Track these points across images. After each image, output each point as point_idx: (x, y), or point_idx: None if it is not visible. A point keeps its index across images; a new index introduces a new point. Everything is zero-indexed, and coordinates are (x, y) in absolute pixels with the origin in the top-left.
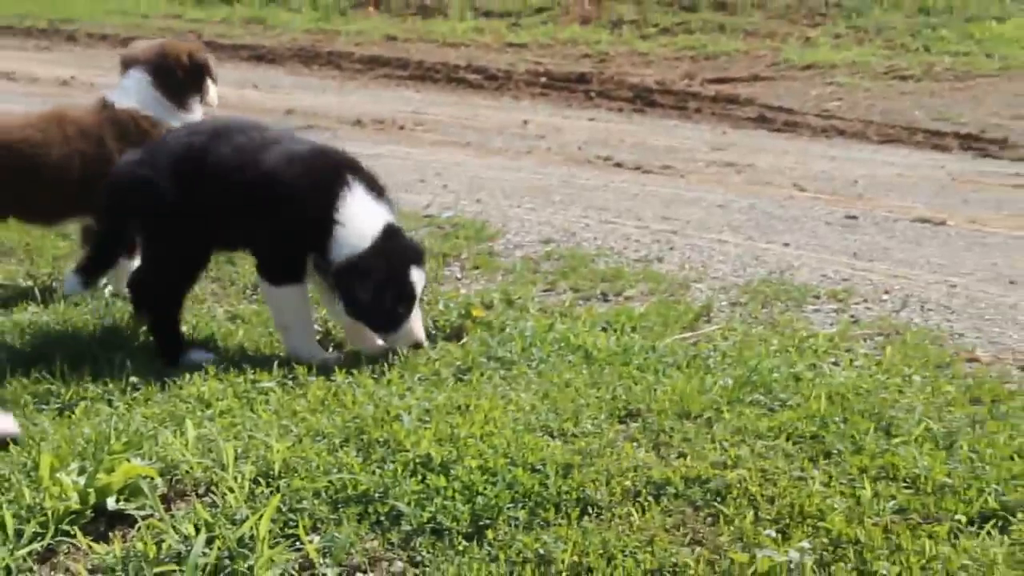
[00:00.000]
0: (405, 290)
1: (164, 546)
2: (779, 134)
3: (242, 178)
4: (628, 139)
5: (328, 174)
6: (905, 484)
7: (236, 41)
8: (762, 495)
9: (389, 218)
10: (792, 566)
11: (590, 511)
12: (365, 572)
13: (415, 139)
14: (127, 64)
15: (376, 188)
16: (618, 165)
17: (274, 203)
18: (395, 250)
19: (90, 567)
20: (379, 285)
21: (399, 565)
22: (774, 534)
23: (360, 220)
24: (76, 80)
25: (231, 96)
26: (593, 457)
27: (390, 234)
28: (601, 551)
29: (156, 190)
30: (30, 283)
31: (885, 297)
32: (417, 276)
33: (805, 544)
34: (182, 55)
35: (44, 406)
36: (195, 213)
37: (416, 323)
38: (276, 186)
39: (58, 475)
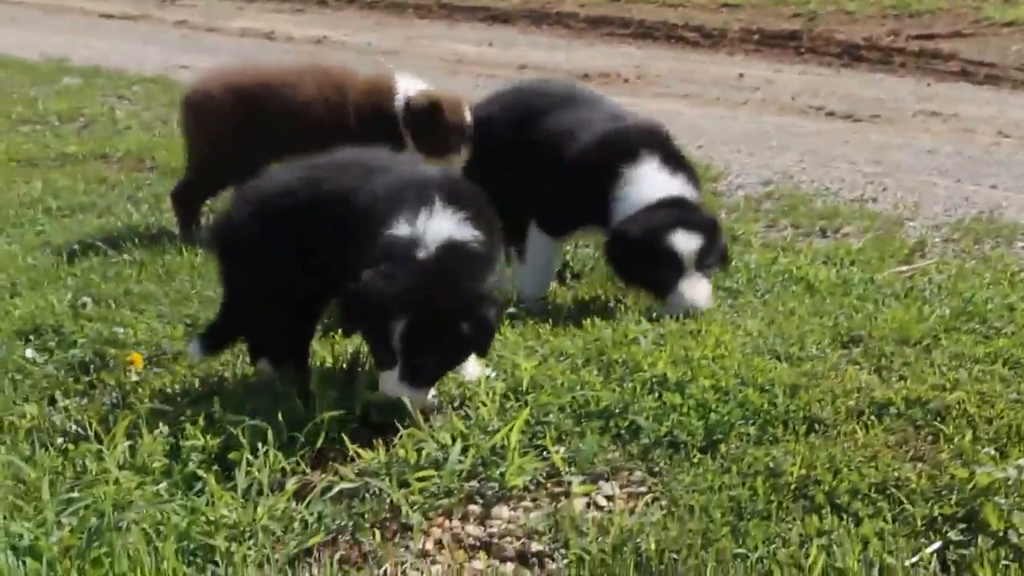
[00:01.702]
0: (662, 255)
1: (423, 453)
2: (981, 87)
3: None
4: (838, 91)
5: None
6: None
7: (474, 3)
8: (980, 416)
9: (671, 190)
10: (1011, 482)
11: (816, 428)
12: (607, 480)
13: (638, 91)
14: None
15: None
16: (829, 114)
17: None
18: (657, 216)
19: (357, 471)
20: (635, 251)
21: (638, 475)
22: (993, 452)
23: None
24: (328, 39)
25: (470, 53)
26: (818, 379)
27: (663, 203)
28: (827, 465)
29: None
30: None
31: None
32: (683, 241)
33: (1022, 462)
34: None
35: None
36: None
37: (688, 288)
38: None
39: (327, 389)
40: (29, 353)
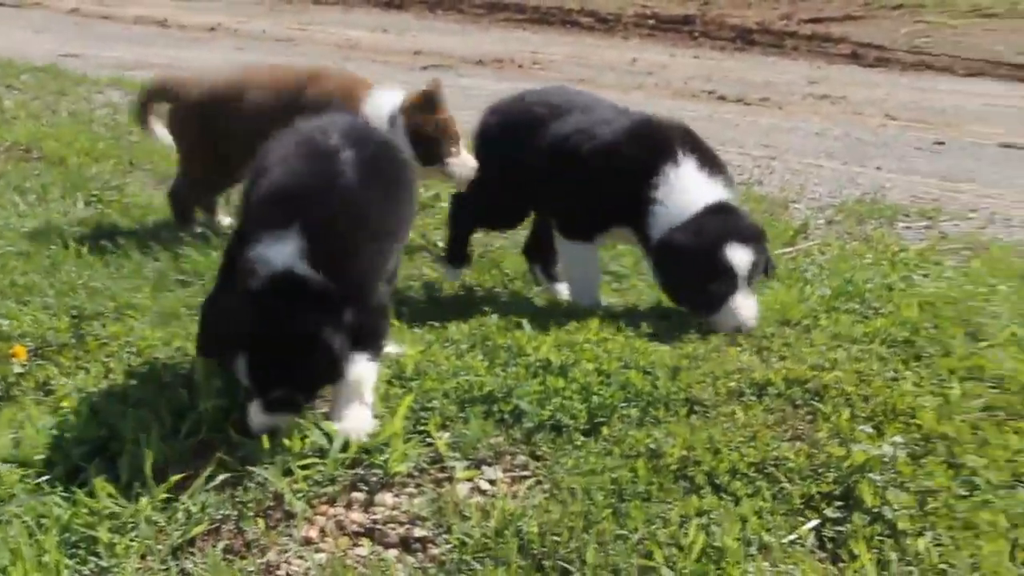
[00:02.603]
0: (718, 269)
1: (307, 441)
2: (871, 69)
3: None
4: (730, 75)
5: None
6: (991, 384)
7: None
8: (857, 395)
9: (715, 195)
10: (886, 459)
11: (697, 409)
12: (491, 465)
13: (533, 76)
14: None
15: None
16: (721, 98)
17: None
18: (711, 227)
19: (240, 459)
20: (689, 264)
21: (521, 459)
22: (869, 430)
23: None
24: (221, 27)
25: (365, 39)
26: (699, 360)
27: (711, 210)
28: (707, 445)
29: None
30: None
31: (972, 215)
32: (738, 255)
33: (898, 439)
34: None
35: (196, 317)
36: None
37: (740, 305)
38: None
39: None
40: None
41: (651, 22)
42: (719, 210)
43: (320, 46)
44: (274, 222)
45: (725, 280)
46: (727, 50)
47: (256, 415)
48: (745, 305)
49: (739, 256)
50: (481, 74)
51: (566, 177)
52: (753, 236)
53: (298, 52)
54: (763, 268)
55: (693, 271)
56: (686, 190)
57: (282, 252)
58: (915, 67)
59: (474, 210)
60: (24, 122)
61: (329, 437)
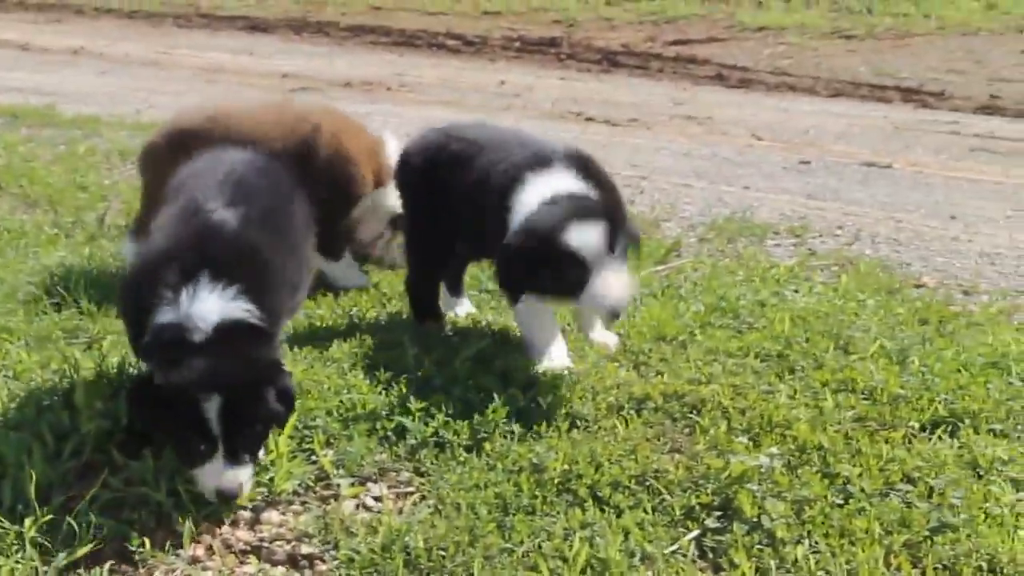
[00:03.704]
0: (561, 258)
1: None
2: (735, 90)
3: None
4: (596, 96)
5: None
6: (863, 395)
7: (232, 12)
8: (734, 408)
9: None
10: (763, 470)
11: (578, 424)
12: (375, 481)
13: (400, 99)
14: None
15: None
16: (588, 119)
17: None
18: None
19: (124, 480)
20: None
21: (406, 475)
22: (746, 441)
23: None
24: (84, 50)
25: (228, 63)
26: (579, 376)
27: (545, 203)
28: (589, 459)
29: None
30: (55, 231)
31: (839, 232)
32: (580, 236)
33: (774, 450)
34: None
35: (74, 340)
36: None
37: (601, 286)
38: None
39: (93, 400)
40: None
41: (517, 44)
42: (553, 201)
43: (185, 69)
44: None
45: (574, 266)
46: (593, 72)
47: (216, 475)
48: (607, 285)
49: (581, 237)
50: (350, 97)
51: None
52: (595, 213)
53: (164, 76)
54: (625, 242)
55: (536, 268)
56: (525, 203)
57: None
58: (778, 88)
59: None
60: None
61: None
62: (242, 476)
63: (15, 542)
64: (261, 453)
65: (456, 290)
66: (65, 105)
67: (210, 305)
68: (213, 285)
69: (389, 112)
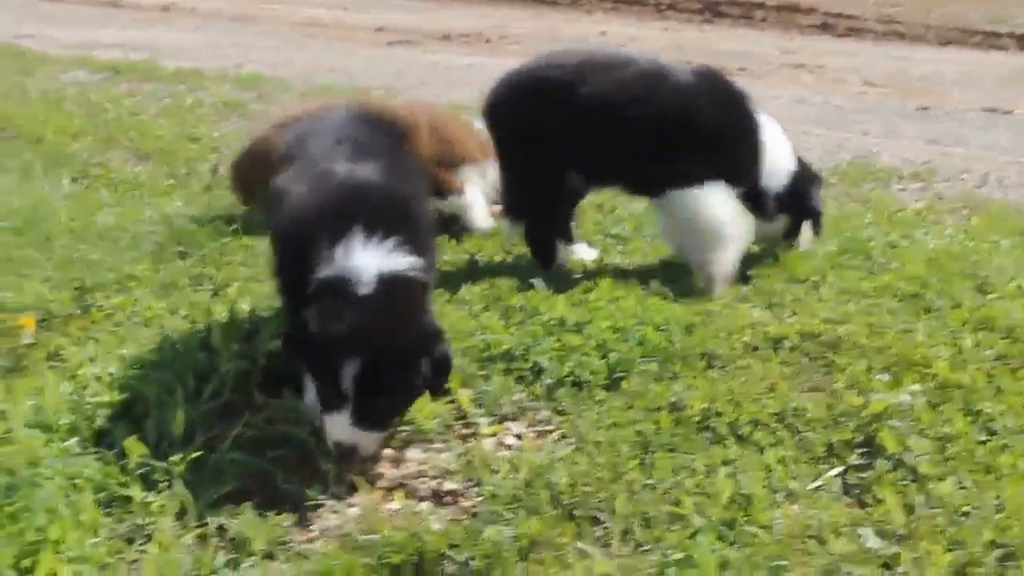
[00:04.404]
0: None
1: None
2: (843, 39)
3: None
4: (702, 46)
5: None
6: (1003, 335)
7: None
8: (871, 346)
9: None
10: (904, 407)
11: (714, 363)
12: (514, 420)
13: (500, 51)
14: None
15: None
16: None
17: None
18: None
19: (266, 419)
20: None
21: (544, 414)
22: (886, 379)
23: None
24: (175, 6)
25: (324, 17)
26: (713, 316)
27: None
28: (728, 397)
29: None
30: (171, 181)
31: (965, 176)
32: None
33: (916, 387)
34: None
35: (200, 287)
36: None
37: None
38: None
39: (230, 342)
40: None
41: None
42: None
43: (280, 24)
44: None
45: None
46: (695, 22)
47: (338, 427)
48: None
49: None
50: (448, 50)
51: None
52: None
53: (258, 31)
54: None
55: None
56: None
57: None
58: (887, 36)
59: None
60: None
61: None
62: (367, 438)
63: (163, 478)
64: None
65: (569, 237)
66: (163, 60)
67: (368, 258)
68: (369, 239)
69: (488, 65)
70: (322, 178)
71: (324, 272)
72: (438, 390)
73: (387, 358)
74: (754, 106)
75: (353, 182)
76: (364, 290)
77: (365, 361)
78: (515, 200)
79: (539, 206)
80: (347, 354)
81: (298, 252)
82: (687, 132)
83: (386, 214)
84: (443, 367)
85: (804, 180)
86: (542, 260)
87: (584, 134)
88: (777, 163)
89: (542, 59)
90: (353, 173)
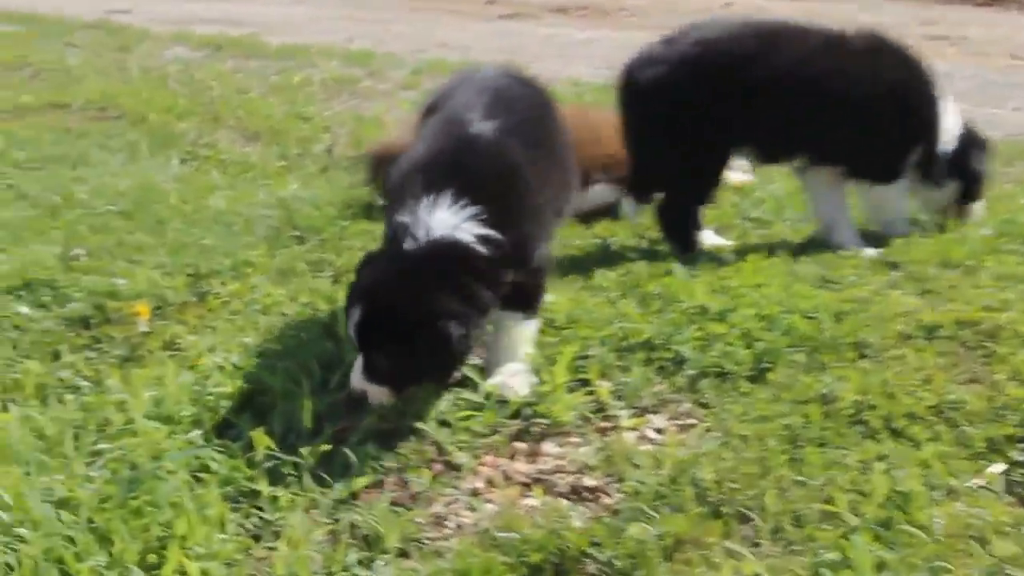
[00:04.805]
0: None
1: (465, 398)
2: (984, 8)
3: None
4: (839, 16)
5: None
6: None
7: None
8: None
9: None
10: None
11: (866, 353)
12: (655, 413)
13: (619, 24)
14: None
15: None
16: None
17: None
18: None
19: (395, 409)
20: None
21: (687, 406)
22: None
23: None
24: None
25: None
26: (863, 303)
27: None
28: (882, 389)
29: None
30: (283, 163)
31: None
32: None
33: None
34: None
35: (319, 273)
36: None
37: None
38: None
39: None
40: (23, 309)
41: None
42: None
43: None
44: (431, 187)
45: None
46: None
47: (355, 373)
48: None
49: None
50: (564, 23)
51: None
52: None
53: (364, 3)
54: None
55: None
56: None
57: (441, 217)
58: None
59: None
60: (93, 80)
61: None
62: (376, 390)
63: (291, 472)
64: (512, 380)
65: (699, 223)
66: (267, 36)
67: (433, 217)
68: (448, 198)
69: (607, 39)
70: (441, 130)
71: (397, 219)
72: (432, 369)
73: (382, 316)
74: (928, 67)
75: (464, 140)
76: (409, 245)
77: (366, 313)
78: (653, 181)
79: (690, 187)
80: (354, 301)
81: (394, 196)
82: (873, 98)
83: (482, 179)
84: (433, 343)
85: (972, 143)
86: (682, 244)
87: (767, 108)
88: (950, 125)
89: (693, 32)
90: (470, 131)
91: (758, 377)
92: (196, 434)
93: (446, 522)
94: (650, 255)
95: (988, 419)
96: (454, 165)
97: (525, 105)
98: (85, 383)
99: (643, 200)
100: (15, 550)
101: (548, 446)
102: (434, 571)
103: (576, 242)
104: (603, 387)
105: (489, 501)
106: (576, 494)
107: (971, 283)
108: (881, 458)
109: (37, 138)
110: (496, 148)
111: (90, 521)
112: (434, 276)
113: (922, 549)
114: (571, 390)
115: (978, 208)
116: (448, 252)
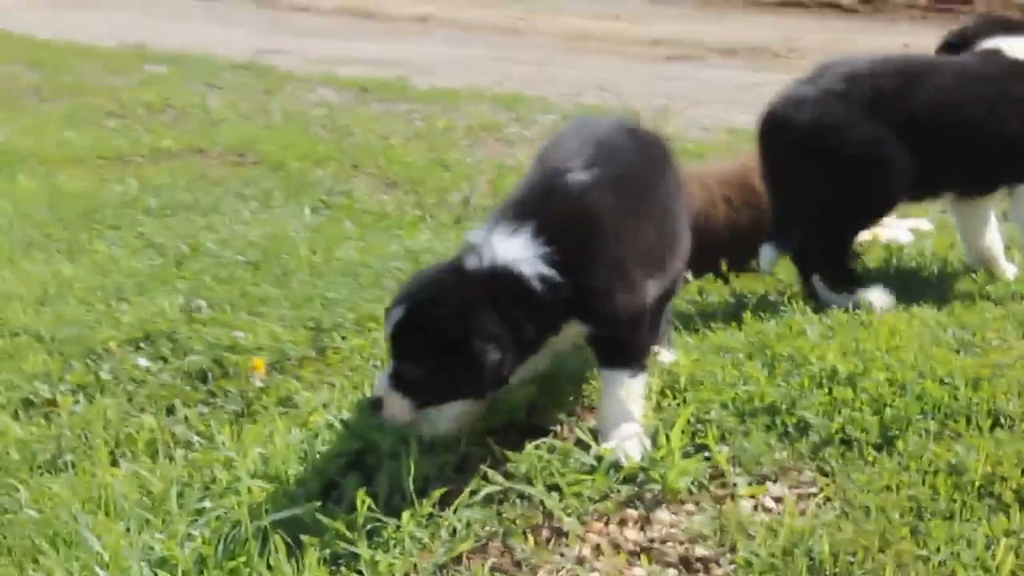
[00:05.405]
0: None
1: (575, 461)
2: None
3: None
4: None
5: None
6: None
7: None
8: None
9: None
10: None
11: (1002, 423)
12: (775, 481)
13: (791, 67)
14: None
15: None
16: None
17: None
18: None
19: (504, 474)
20: None
21: (808, 475)
22: None
23: None
24: (433, 16)
25: (593, 28)
26: (1003, 369)
27: None
28: (1016, 461)
29: None
30: (418, 212)
31: None
32: None
33: None
34: None
35: None
36: None
37: None
38: None
39: None
40: (142, 362)
41: (923, 2)
42: None
43: (544, 35)
44: (510, 220)
45: None
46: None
47: (380, 378)
48: None
49: None
50: (733, 65)
51: None
52: None
53: (520, 44)
54: None
55: None
56: None
57: (508, 246)
58: None
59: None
60: (234, 124)
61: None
62: (396, 401)
63: (393, 535)
64: (626, 444)
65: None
66: (416, 77)
67: (505, 247)
68: (527, 236)
69: (775, 83)
70: (539, 174)
71: (469, 239)
72: (459, 388)
73: (419, 323)
74: None
75: (556, 186)
76: (469, 264)
77: (404, 318)
78: (800, 223)
79: (849, 227)
80: (396, 305)
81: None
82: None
83: (560, 224)
84: (465, 361)
85: None
86: (846, 286)
87: (931, 142)
88: None
89: (838, 70)
90: (564, 178)
91: (885, 445)
92: (300, 493)
93: None
94: (785, 313)
95: None
96: (539, 206)
97: (632, 158)
98: (197, 438)
99: (784, 246)
100: None
101: (660, 513)
102: None
103: (711, 299)
104: (721, 453)
105: (595, 570)
106: (685, 565)
107: None
108: (1008, 533)
109: (172, 184)
110: (583, 197)
111: None
112: (483, 297)
113: None
114: (687, 455)
115: None
116: (504, 279)
